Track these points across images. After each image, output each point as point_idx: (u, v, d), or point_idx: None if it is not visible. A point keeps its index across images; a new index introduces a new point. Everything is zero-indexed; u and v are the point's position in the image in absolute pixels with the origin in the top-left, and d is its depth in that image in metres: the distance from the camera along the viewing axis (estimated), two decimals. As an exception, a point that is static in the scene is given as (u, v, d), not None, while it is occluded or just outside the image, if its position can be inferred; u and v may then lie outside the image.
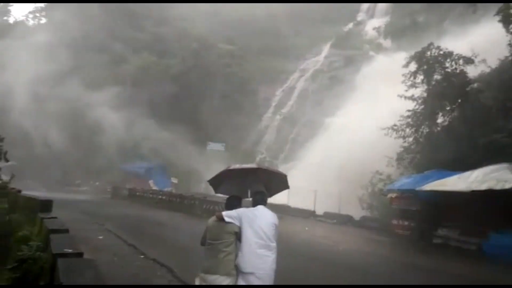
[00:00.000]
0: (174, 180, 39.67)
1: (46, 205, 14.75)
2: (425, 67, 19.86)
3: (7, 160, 16.99)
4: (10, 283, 7.79)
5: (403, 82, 20.61)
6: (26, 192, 18.22)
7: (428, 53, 19.87)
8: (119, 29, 50.78)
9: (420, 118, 20.42)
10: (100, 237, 12.78)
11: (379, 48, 52.09)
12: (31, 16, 56.10)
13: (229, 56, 52.26)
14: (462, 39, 26.20)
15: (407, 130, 20.95)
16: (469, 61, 19.05)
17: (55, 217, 11.76)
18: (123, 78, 46.06)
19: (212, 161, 41.16)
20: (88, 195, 34.32)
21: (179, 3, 54.77)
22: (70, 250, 7.11)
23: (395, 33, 49.14)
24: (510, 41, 18.19)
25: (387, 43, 52.66)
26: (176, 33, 53.38)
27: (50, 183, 35.95)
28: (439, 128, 20.17)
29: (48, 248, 7.87)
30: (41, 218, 11.48)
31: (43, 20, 55.54)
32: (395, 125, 21.11)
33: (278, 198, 23.90)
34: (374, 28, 56.54)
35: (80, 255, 7.02)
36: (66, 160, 38.52)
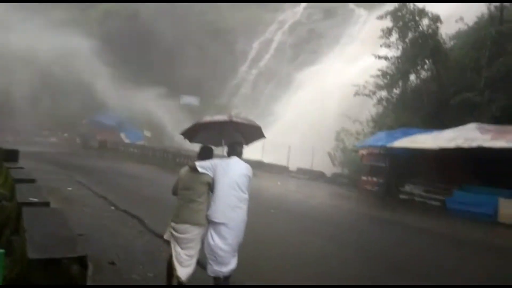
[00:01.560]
0: (147, 134, 39.12)
1: (12, 154, 14.22)
2: (400, 23, 19.61)
3: None
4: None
5: (379, 37, 20.39)
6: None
7: (404, 10, 19.55)
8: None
9: (394, 78, 20.52)
10: (69, 188, 12.54)
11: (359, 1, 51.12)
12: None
13: (205, 2, 49.95)
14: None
15: (379, 90, 21.11)
16: (438, 19, 18.88)
17: (22, 167, 11.40)
18: (90, 23, 43.52)
19: (186, 114, 40.63)
20: (57, 146, 33.43)
21: None
22: (36, 199, 6.93)
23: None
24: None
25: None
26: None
27: (16, 133, 34.68)
28: (411, 88, 20.39)
29: (14, 197, 7.64)
30: (7, 168, 11.09)
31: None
32: (366, 81, 21.16)
33: (252, 154, 24.14)
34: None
35: (46, 204, 6.85)
36: (33, 110, 36.96)
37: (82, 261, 3.82)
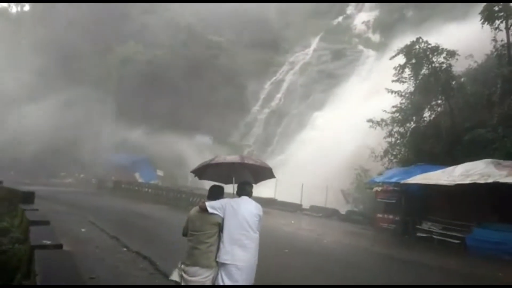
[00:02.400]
0: (160, 173, 39.37)
1: (28, 196, 14.50)
2: (413, 61, 19.92)
3: None
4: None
5: (393, 75, 20.62)
6: (8, 184, 17.85)
7: (417, 46, 19.93)
8: (106, 17, 49.74)
9: (408, 112, 20.55)
10: (83, 230, 12.59)
11: (367, 42, 52.36)
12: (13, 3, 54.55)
13: (217, 47, 51.76)
14: (450, 35, 26.43)
15: (394, 125, 21.09)
16: (453, 54, 19.13)
17: (37, 209, 11.57)
18: (108, 68, 45.27)
19: (199, 154, 41.00)
20: (73, 187, 33.86)
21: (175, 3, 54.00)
22: (48, 242, 6.98)
23: (384, 28, 49.40)
24: (493, 37, 18.37)
25: (375, 37, 52.94)
26: (164, 23, 52.66)
27: (34, 175, 35.36)
28: (425, 123, 20.34)
29: (27, 240, 7.71)
30: (22, 209, 11.27)
31: (26, 7, 54.17)
32: (382, 119, 21.21)
33: (265, 192, 24.07)
34: (363, 22, 56.75)
35: (59, 246, 6.89)
36: (51, 152, 37.85)
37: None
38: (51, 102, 37.96)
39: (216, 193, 4.86)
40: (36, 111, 37.51)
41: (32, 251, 6.44)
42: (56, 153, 37.72)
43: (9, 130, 35.81)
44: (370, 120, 21.52)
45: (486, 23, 17.98)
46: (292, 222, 20.17)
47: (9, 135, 35.37)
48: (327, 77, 47.16)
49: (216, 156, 5.38)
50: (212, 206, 4.59)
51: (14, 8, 54.46)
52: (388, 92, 20.80)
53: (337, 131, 31.69)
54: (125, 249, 10.12)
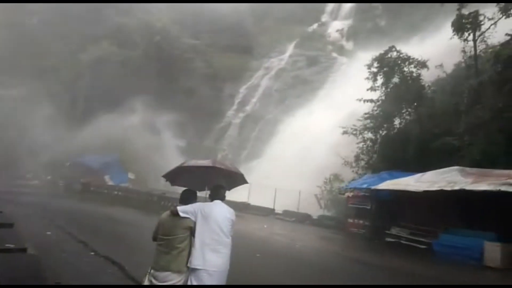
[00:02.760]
0: (131, 176, 38.56)
1: (-10, 198, 13.88)
2: (385, 69, 20.49)
3: None
4: None
5: (365, 79, 21.12)
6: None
7: (389, 54, 20.52)
8: (80, 16, 48.57)
9: (379, 120, 21.08)
10: (49, 233, 12.15)
11: (341, 50, 53.40)
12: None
13: (193, 51, 51.49)
14: (421, 44, 27.31)
15: (365, 132, 21.58)
16: (423, 65, 19.83)
17: (0, 211, 11.09)
18: (81, 68, 44.17)
19: (172, 156, 40.49)
20: (39, 189, 32.65)
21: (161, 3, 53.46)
22: (12, 245, 6.70)
23: (357, 36, 50.54)
24: (463, 48, 19.14)
25: (349, 45, 54.07)
26: (139, 25, 51.99)
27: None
28: (395, 131, 20.89)
29: (-11, 243, 7.37)
30: (-16, 212, 10.77)
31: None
32: (354, 125, 21.68)
33: (239, 196, 24.00)
34: (337, 30, 57.84)
35: (23, 250, 6.63)
36: (16, 153, 36.44)
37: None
38: (19, 99, 36.61)
39: (188, 197, 4.78)
40: (2, 108, 36.04)
41: (-5, 254, 6.16)
42: (22, 153, 36.33)
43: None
44: (343, 128, 21.97)
45: (456, 34, 18.73)
46: (265, 226, 20.20)
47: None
48: (301, 83, 47.73)
49: (187, 160, 5.30)
50: (184, 210, 4.53)
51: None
52: (360, 101, 21.31)
53: (311, 137, 32.11)
54: (93, 253, 9.84)
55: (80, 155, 37.91)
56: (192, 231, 4.49)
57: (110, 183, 35.40)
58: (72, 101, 39.79)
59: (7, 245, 6.82)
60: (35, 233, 11.43)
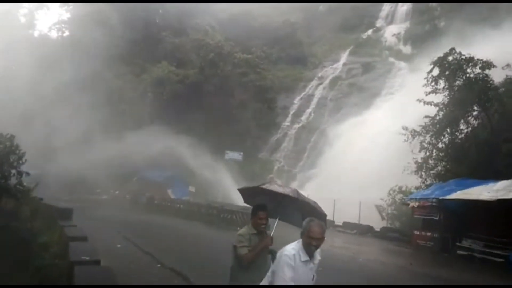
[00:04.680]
0: (192, 189, 39.77)
1: (66, 213, 14.99)
2: (447, 72, 19.45)
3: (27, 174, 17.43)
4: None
5: (423, 85, 20.15)
6: (47, 201, 18.53)
7: (450, 58, 19.47)
8: (138, 40, 51.70)
9: (442, 124, 19.95)
10: (118, 246, 12.85)
11: (398, 55, 51.60)
12: (54, 28, 57.46)
13: (246, 65, 52.51)
14: (484, 44, 25.65)
15: (427, 137, 20.47)
16: (489, 65, 18.55)
17: (75, 225, 11.94)
18: (144, 89, 46.77)
19: (230, 170, 41.26)
20: (108, 204, 34.73)
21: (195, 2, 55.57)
22: (87, 258, 7.16)
23: (415, 39, 48.64)
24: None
25: (406, 49, 52.18)
26: (193, 44, 54.11)
27: (71, 192, 36.55)
28: (462, 135, 19.66)
29: (67, 255, 7.95)
30: (61, 225, 11.65)
31: (66, 33, 57.00)
32: (414, 130, 20.69)
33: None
34: (393, 35, 56.13)
35: (97, 262, 7.06)
36: (86, 169, 39.16)
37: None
38: (89, 117, 39.45)
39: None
40: (74, 128, 39.02)
41: (72, 266, 6.62)
42: (92, 169, 38.92)
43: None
44: (404, 128, 20.98)
45: None
46: (325, 239, 19.78)
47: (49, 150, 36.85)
48: (357, 91, 46.67)
49: (268, 181, 5.09)
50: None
51: (55, 33, 57.34)
52: (421, 102, 20.28)
53: (369, 145, 31.12)
54: (159, 265, 10.24)
55: (144, 170, 39.90)
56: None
57: (173, 196, 36.77)
58: (138, 119, 42.05)
59: (82, 257, 7.32)
60: (107, 245, 12.14)
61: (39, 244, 10.25)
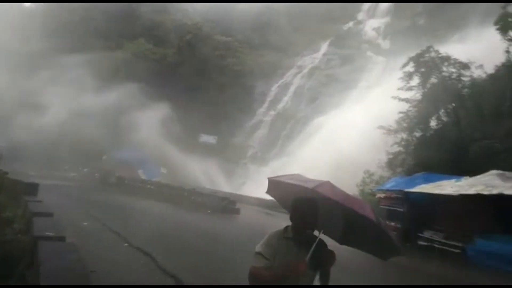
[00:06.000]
0: (164, 170, 39.46)
1: (31, 188, 14.62)
2: (422, 69, 19.90)
3: None
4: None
5: (399, 79, 20.59)
6: (12, 176, 17.97)
7: (427, 55, 19.90)
8: (117, 14, 50.08)
9: (414, 120, 20.51)
10: (85, 223, 12.65)
11: (377, 49, 52.25)
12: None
13: (225, 48, 51.94)
14: (462, 44, 26.30)
15: (401, 132, 21.04)
16: (465, 66, 19.13)
17: (40, 201, 11.66)
18: (117, 65, 45.53)
19: (203, 153, 41.13)
20: (76, 181, 34.00)
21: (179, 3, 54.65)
22: (51, 234, 7.03)
23: (394, 35, 49.28)
24: (507, 48, 18.30)
25: (385, 44, 52.86)
26: (173, 23, 53.01)
27: (37, 167, 35.54)
28: (431, 132, 20.26)
29: (31, 231, 7.77)
30: (26, 201, 11.36)
31: (41, 4, 54.65)
32: (390, 126, 21.19)
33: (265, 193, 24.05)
34: (373, 29, 56.68)
35: (62, 239, 6.94)
36: (55, 145, 38.06)
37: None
38: (57, 92, 38.22)
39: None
40: (47, 102, 37.81)
41: (35, 242, 6.49)
42: (60, 145, 37.90)
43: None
44: (381, 127, 21.47)
45: (500, 33, 17.95)
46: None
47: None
48: (335, 82, 47.12)
49: (303, 179, 3.17)
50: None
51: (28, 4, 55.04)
52: (395, 99, 20.77)
53: (342, 137, 31.66)
54: (126, 244, 10.16)
55: (115, 150, 39.17)
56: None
57: (144, 177, 36.35)
58: (108, 96, 41.06)
59: (47, 233, 7.17)
60: (73, 223, 11.94)
61: (1, 219, 9.96)
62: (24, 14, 49.44)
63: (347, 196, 3.04)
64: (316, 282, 2.96)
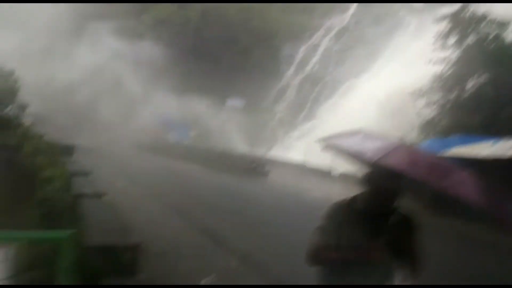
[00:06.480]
0: (192, 133, 40.17)
1: (68, 149, 15.19)
2: (457, 28, 18.84)
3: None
4: (37, 220, 8.09)
5: (433, 38, 19.66)
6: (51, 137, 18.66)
7: (462, 14, 18.79)
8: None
9: (449, 82, 19.67)
10: (121, 184, 13.10)
11: (410, 9, 49.63)
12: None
13: (250, 9, 50.58)
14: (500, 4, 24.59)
15: (434, 94, 20.25)
16: (504, 24, 17.94)
17: (77, 161, 12.11)
18: (143, 30, 45.41)
19: (231, 118, 41.36)
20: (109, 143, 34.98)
21: None
22: (90, 191, 7.32)
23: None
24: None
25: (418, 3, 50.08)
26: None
27: (70, 132, 36.66)
28: (468, 94, 19.43)
29: (70, 189, 8.11)
30: (64, 161, 11.82)
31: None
32: (422, 87, 20.43)
33: (294, 156, 23.96)
34: (406, -14, 53.64)
35: (99, 196, 7.22)
36: (87, 110, 39.01)
37: (135, 250, 3.97)
38: (85, 56, 38.77)
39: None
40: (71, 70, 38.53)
41: (75, 199, 6.77)
42: (92, 109, 38.88)
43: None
44: (408, 91, 20.75)
45: None
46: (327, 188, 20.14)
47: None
48: (364, 44, 45.45)
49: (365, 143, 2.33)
50: None
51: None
52: (430, 63, 19.87)
53: (373, 100, 30.89)
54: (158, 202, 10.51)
55: (146, 114, 39.97)
56: None
57: (173, 140, 37.19)
58: (136, 63, 41.30)
59: (85, 190, 7.47)
60: (109, 182, 12.38)
61: (42, 178, 10.42)
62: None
63: (428, 162, 2.14)
64: (397, 280, 2.18)
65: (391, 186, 2.17)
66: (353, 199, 2.35)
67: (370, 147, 2.17)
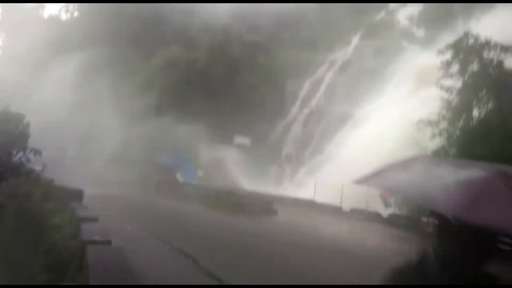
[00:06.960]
0: (200, 173, 40.14)
1: (77, 194, 15.23)
2: (461, 56, 19.07)
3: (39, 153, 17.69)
4: (43, 268, 8.06)
5: (438, 68, 19.83)
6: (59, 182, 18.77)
7: (465, 42, 19.07)
8: (147, 22, 51.18)
9: (456, 110, 19.65)
10: (129, 228, 13.03)
11: (411, 38, 50.56)
12: (64, 10, 57.66)
13: (254, 47, 51.87)
14: (501, 28, 25.02)
15: (442, 123, 20.11)
16: (507, 49, 18.14)
17: (86, 206, 12.15)
18: (152, 73, 46.73)
19: (238, 155, 41.49)
20: (117, 186, 35.08)
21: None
22: (98, 238, 7.29)
23: (429, 22, 47.55)
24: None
25: (420, 32, 51.06)
26: (201, 25, 53.45)
27: (80, 175, 36.94)
28: (474, 121, 19.36)
29: (79, 235, 8.10)
30: (72, 207, 11.86)
31: (76, 14, 57.05)
32: (429, 120, 20.36)
33: (304, 193, 23.65)
34: (407, 18, 54.91)
35: (108, 243, 7.18)
36: (94, 151, 39.43)
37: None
38: (97, 102, 39.70)
39: None
40: (82, 110, 39.36)
41: (84, 246, 6.75)
42: (99, 151, 39.27)
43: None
44: (420, 121, 20.50)
45: None
46: (333, 225, 19.84)
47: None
48: (368, 75, 46.02)
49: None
50: None
51: (64, 15, 57.62)
52: (437, 87, 19.86)
53: (379, 131, 30.90)
54: (168, 247, 10.39)
55: (153, 154, 40.27)
56: None
57: (181, 180, 37.11)
58: (146, 106, 42.17)
59: (94, 237, 7.45)
60: (117, 227, 12.33)
61: (51, 225, 10.44)
62: (60, 26, 51.59)
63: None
64: None
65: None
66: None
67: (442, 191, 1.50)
